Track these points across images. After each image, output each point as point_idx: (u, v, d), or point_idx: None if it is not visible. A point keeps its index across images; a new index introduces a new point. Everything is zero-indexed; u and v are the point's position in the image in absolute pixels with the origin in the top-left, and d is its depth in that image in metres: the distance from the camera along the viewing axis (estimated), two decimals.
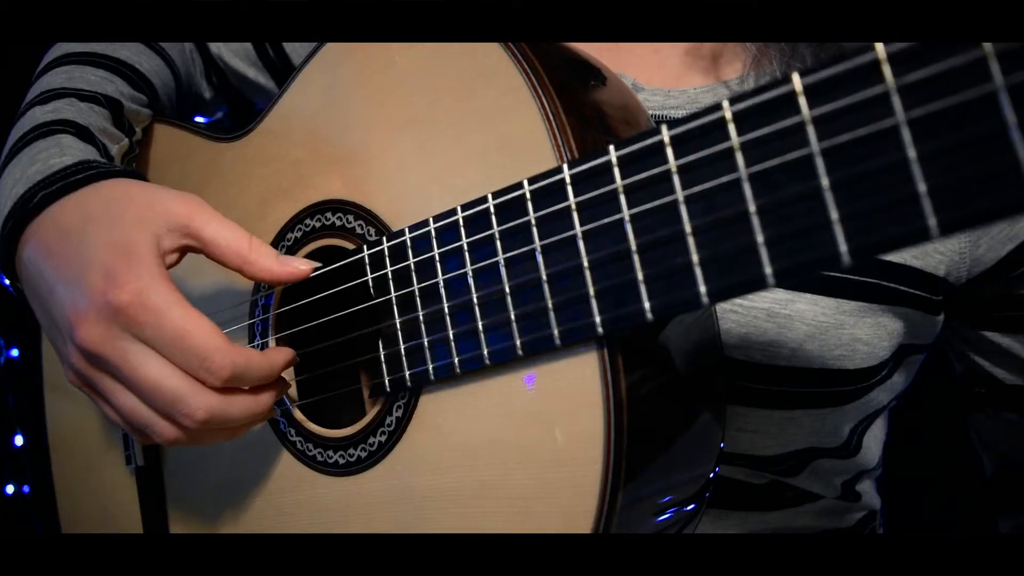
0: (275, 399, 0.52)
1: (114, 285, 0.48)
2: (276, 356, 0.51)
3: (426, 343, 0.49)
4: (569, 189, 0.42)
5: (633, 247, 0.40)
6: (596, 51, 0.55)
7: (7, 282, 0.61)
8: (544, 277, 0.43)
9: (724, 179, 0.36)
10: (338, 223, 0.56)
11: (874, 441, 0.72)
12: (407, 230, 0.50)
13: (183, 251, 0.52)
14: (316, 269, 0.53)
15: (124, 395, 0.50)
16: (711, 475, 0.52)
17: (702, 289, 0.38)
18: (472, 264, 0.46)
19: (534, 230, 0.43)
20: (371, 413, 0.54)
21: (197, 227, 0.51)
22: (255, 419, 0.52)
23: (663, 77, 0.66)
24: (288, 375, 0.61)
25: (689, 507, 0.52)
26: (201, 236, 0.51)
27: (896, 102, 0.31)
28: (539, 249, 0.43)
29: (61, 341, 0.53)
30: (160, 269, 0.50)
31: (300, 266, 0.52)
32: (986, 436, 0.72)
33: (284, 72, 0.80)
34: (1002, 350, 0.64)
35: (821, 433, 0.65)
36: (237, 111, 0.89)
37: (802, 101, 0.34)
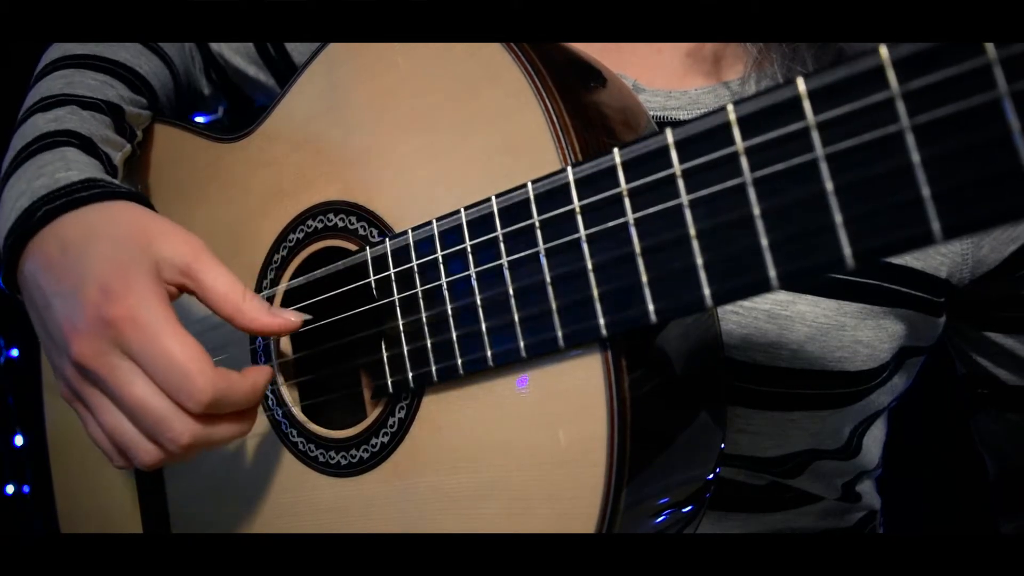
0: (255, 417, 0.52)
1: (109, 300, 0.48)
2: (257, 376, 0.50)
3: (429, 345, 0.49)
4: (573, 192, 0.42)
5: (637, 250, 0.40)
6: (597, 51, 0.55)
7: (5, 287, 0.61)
8: (548, 279, 0.43)
9: (729, 183, 0.36)
10: (340, 224, 0.57)
11: (874, 442, 0.72)
12: (410, 232, 0.50)
13: (179, 288, 0.52)
14: (307, 323, 0.52)
15: (110, 412, 0.50)
16: (712, 476, 0.52)
17: (706, 292, 0.38)
18: (476, 266, 0.46)
19: (538, 232, 0.43)
20: (373, 414, 0.54)
21: (197, 271, 0.51)
22: (238, 438, 0.51)
23: (664, 78, 0.66)
24: (290, 375, 0.61)
25: (690, 508, 0.52)
26: (199, 280, 0.51)
27: (900, 107, 0.31)
28: (543, 251, 0.43)
29: (57, 355, 0.53)
30: (157, 287, 0.49)
31: (291, 318, 0.52)
32: (988, 437, 0.72)
33: (285, 70, 0.80)
34: (1004, 351, 0.65)
35: (821, 435, 0.65)
36: (236, 107, 0.88)
37: (806, 105, 0.34)
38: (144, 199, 0.57)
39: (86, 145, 0.62)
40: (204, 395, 0.47)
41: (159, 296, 0.49)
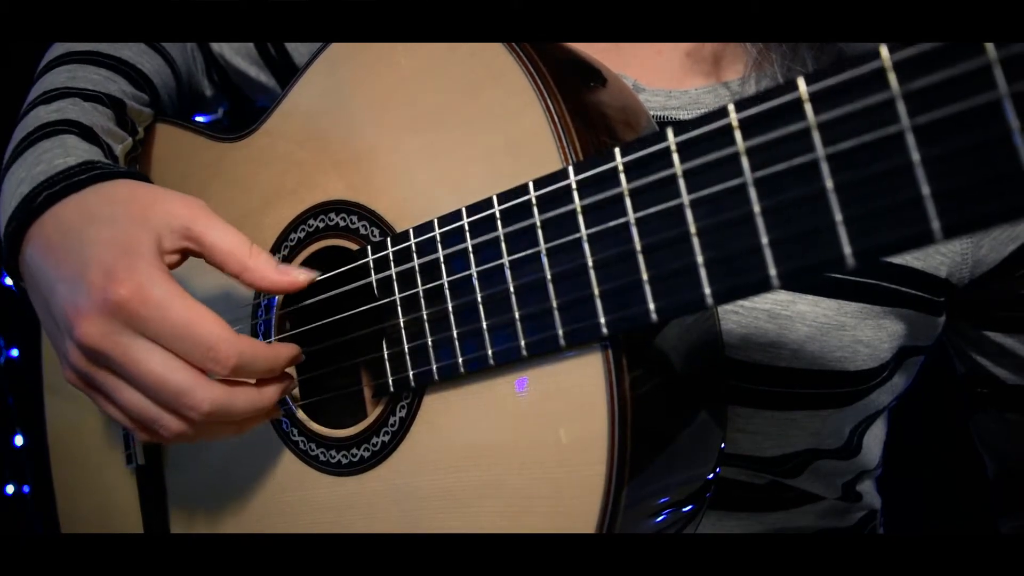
0: (280, 394, 0.52)
1: (113, 281, 0.48)
2: (281, 349, 0.51)
3: (430, 343, 0.49)
4: (574, 192, 0.42)
5: (638, 248, 0.40)
6: (597, 51, 0.55)
7: (10, 282, 0.61)
8: (549, 278, 0.43)
9: (730, 183, 0.36)
10: (342, 224, 0.57)
11: (874, 441, 0.73)
12: (411, 231, 0.50)
13: (183, 253, 0.52)
14: (314, 279, 0.53)
15: (128, 391, 0.50)
16: (712, 476, 0.52)
17: (707, 290, 0.38)
18: (477, 266, 0.46)
19: (539, 232, 0.43)
20: (374, 413, 0.54)
21: (199, 231, 0.51)
22: (259, 412, 0.51)
23: (664, 78, 0.66)
24: (292, 375, 0.61)
25: (690, 507, 0.52)
26: (202, 240, 0.51)
27: (901, 108, 0.32)
28: (544, 251, 0.43)
29: (61, 339, 0.53)
30: (159, 264, 0.50)
31: (299, 276, 0.52)
32: (988, 437, 0.72)
33: (286, 70, 0.80)
34: (1004, 350, 0.65)
35: (822, 434, 0.65)
36: (237, 108, 0.89)
37: (808, 107, 0.34)
38: (143, 176, 0.57)
39: (86, 134, 0.62)
40: (230, 359, 0.47)
41: (162, 271, 0.49)
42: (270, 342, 0.61)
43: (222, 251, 0.51)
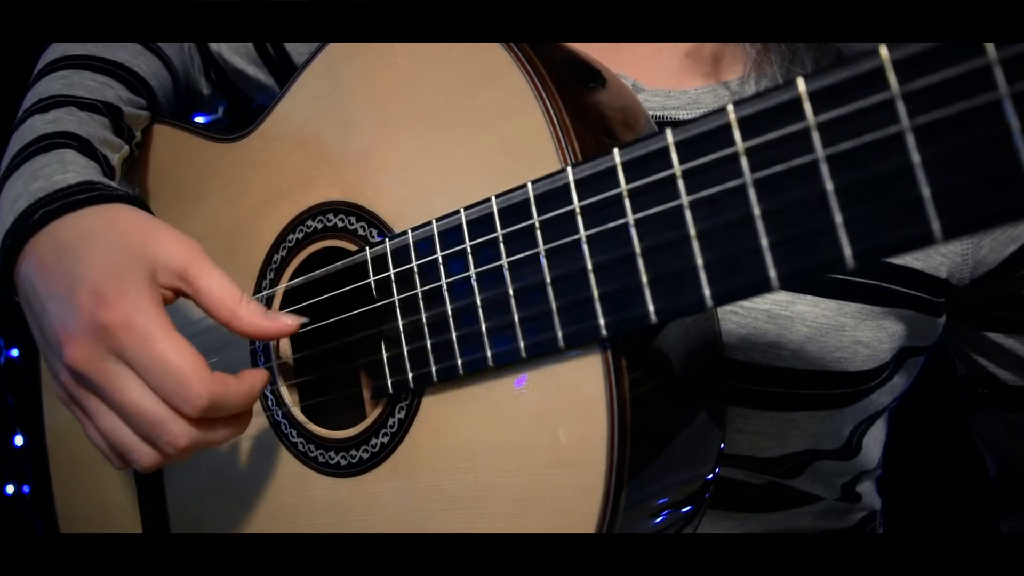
0: (251, 415, 0.52)
1: (103, 304, 0.48)
2: (253, 380, 0.51)
3: (429, 345, 0.49)
4: (573, 192, 0.42)
5: (637, 250, 0.40)
6: (597, 51, 0.55)
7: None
8: (548, 280, 0.43)
9: (729, 184, 0.36)
10: (340, 225, 0.56)
11: (874, 442, 0.72)
12: (409, 232, 0.50)
13: (175, 292, 0.52)
14: (304, 325, 0.52)
15: (107, 417, 0.50)
16: (711, 476, 0.52)
17: (706, 292, 0.38)
18: (475, 267, 0.46)
19: (538, 233, 0.43)
20: (373, 414, 0.54)
21: (194, 275, 0.51)
22: (234, 438, 0.52)
23: (664, 78, 0.66)
24: (289, 376, 0.61)
25: (689, 508, 0.52)
26: (195, 285, 0.51)
27: (901, 108, 0.31)
28: (543, 252, 0.43)
29: (52, 358, 0.53)
30: (151, 292, 0.49)
31: (288, 322, 0.51)
32: (989, 437, 0.72)
33: (284, 69, 0.80)
34: (1004, 351, 0.65)
35: (821, 435, 0.65)
36: (236, 107, 0.88)
37: (807, 106, 0.34)
38: (141, 202, 0.57)
39: (84, 147, 0.62)
40: (201, 400, 0.47)
41: (154, 301, 0.49)
42: (267, 344, 0.61)
43: (213, 298, 0.50)
